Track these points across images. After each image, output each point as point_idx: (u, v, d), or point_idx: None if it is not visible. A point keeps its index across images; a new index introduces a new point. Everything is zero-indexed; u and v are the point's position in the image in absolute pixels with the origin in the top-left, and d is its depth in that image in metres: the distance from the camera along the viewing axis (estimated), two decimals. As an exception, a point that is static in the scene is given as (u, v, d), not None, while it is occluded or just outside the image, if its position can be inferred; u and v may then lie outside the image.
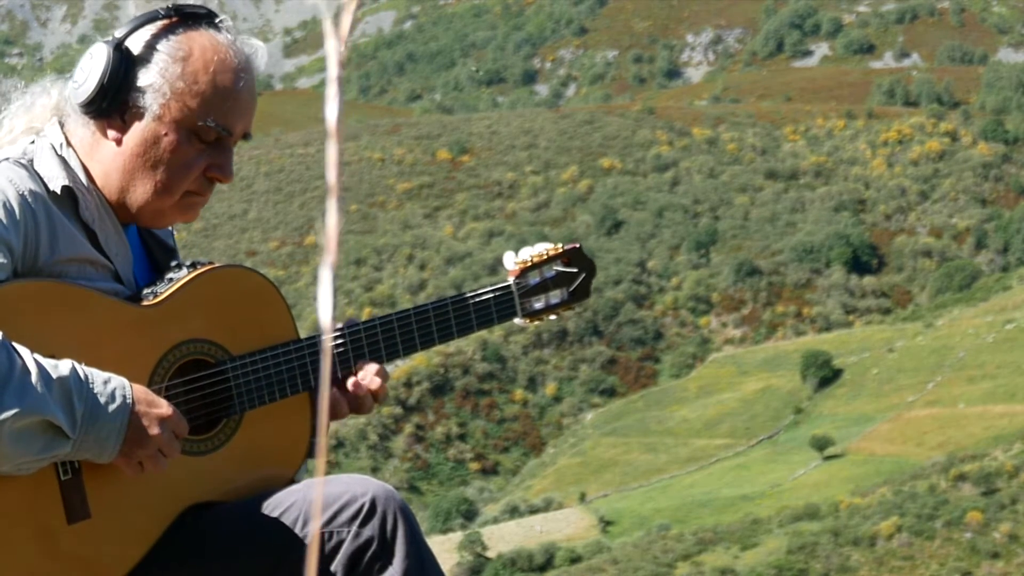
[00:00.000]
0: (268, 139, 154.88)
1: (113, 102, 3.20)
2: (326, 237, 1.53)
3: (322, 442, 1.55)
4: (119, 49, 3.21)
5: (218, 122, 3.22)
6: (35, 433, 2.99)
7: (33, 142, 3.25)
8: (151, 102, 3.21)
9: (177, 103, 3.21)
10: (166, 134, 3.21)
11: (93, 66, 3.21)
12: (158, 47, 3.22)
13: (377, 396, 3.44)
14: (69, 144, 3.26)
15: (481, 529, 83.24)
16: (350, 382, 3.43)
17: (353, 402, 3.45)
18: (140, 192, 3.25)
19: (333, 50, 1.53)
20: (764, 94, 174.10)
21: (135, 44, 3.23)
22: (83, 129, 3.25)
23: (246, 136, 3.30)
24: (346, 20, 1.54)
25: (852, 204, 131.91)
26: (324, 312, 1.54)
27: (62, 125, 3.28)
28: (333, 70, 1.54)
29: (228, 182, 3.28)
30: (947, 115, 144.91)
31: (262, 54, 3.31)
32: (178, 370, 3.27)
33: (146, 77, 3.21)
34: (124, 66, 3.20)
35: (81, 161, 3.25)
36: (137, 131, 3.22)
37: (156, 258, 3.41)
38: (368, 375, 3.43)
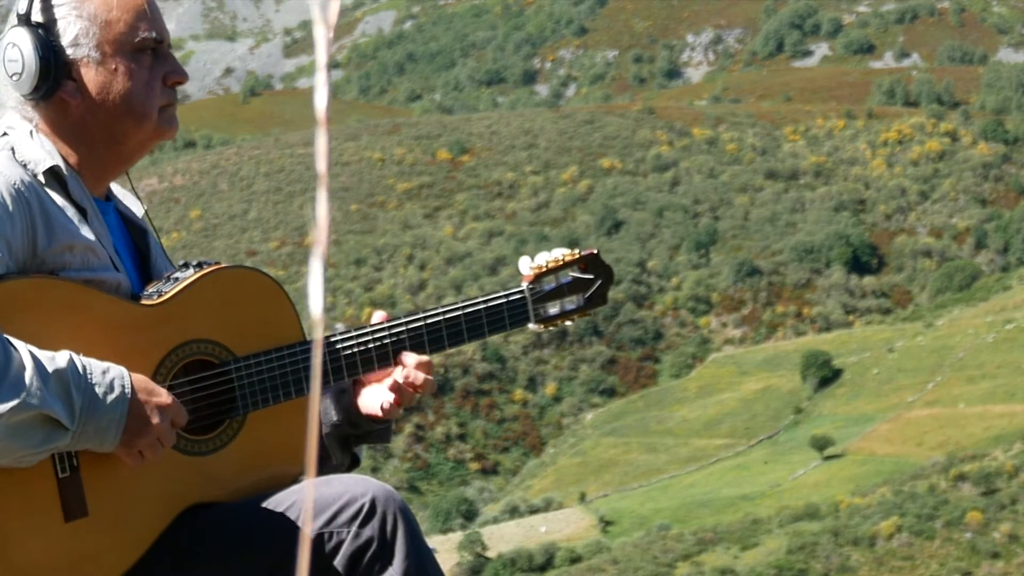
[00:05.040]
0: (268, 139, 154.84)
1: (57, 71, 3.25)
2: (316, 227, 1.51)
3: (311, 441, 1.52)
4: (31, 24, 3.26)
5: (149, 31, 3.30)
6: (34, 426, 2.98)
7: (5, 134, 3.26)
8: (88, 49, 3.26)
9: (107, 34, 3.27)
10: (115, 67, 3.27)
11: (23, 53, 3.25)
12: (59, 2, 3.27)
13: (422, 389, 3.45)
14: (37, 130, 3.29)
15: (481, 529, 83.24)
16: (399, 374, 3.43)
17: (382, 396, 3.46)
18: (124, 131, 3.29)
19: (321, 37, 1.52)
20: (764, 94, 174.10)
21: (39, 12, 3.27)
22: (35, 115, 3.29)
23: (170, 45, 3.39)
24: (334, 6, 1.53)
25: (852, 204, 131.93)
26: (315, 303, 1.51)
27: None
28: (322, 57, 1.52)
29: (186, 80, 3.35)
30: (947, 115, 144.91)
31: None
32: (182, 370, 3.26)
33: (69, 31, 3.26)
34: (46, 35, 3.25)
35: (53, 144, 3.28)
36: (91, 80, 3.27)
37: (135, 238, 3.42)
38: (411, 369, 3.43)
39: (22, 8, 3.28)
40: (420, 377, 3.43)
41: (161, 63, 3.32)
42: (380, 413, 3.46)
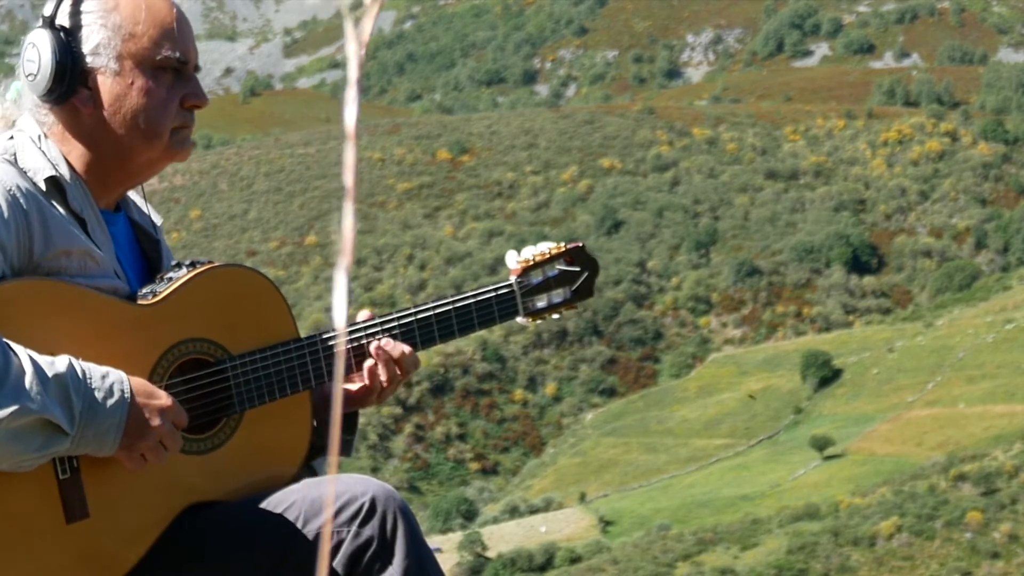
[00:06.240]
0: (268, 139, 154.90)
1: (73, 77, 3.23)
2: (343, 240, 1.52)
3: (334, 441, 1.48)
4: (54, 27, 3.24)
5: (172, 51, 3.27)
6: (33, 431, 2.98)
7: (12, 137, 3.26)
8: (107, 60, 3.24)
9: (129, 49, 3.25)
10: (132, 82, 3.25)
11: (41, 54, 3.23)
12: (87, 9, 3.25)
13: (400, 367, 3.44)
14: (46, 136, 3.28)
15: (481, 529, 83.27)
16: (375, 348, 3.43)
17: (365, 392, 3.46)
18: (132, 147, 3.27)
19: (353, 53, 1.52)
20: (764, 94, 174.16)
21: (65, 16, 3.26)
22: (49, 118, 3.27)
23: (197, 68, 3.35)
24: (367, 23, 1.54)
25: (852, 204, 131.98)
26: (339, 314, 1.52)
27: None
28: (353, 73, 1.52)
29: (205, 105, 3.32)
30: (947, 115, 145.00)
31: None
32: (177, 369, 3.26)
33: (91, 39, 3.24)
34: (68, 39, 3.23)
35: (60, 151, 3.27)
36: (106, 91, 3.25)
37: (145, 249, 3.42)
38: (389, 351, 3.43)
39: (48, 10, 3.27)
40: (397, 350, 3.43)
41: (182, 84, 3.29)
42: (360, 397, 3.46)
